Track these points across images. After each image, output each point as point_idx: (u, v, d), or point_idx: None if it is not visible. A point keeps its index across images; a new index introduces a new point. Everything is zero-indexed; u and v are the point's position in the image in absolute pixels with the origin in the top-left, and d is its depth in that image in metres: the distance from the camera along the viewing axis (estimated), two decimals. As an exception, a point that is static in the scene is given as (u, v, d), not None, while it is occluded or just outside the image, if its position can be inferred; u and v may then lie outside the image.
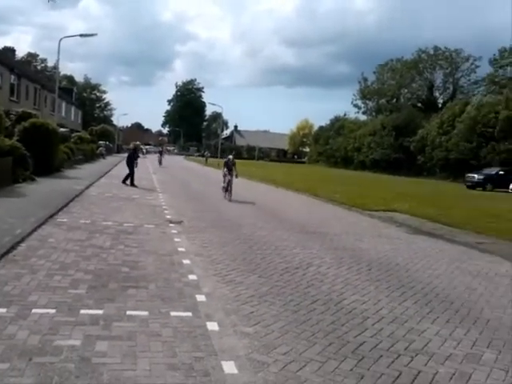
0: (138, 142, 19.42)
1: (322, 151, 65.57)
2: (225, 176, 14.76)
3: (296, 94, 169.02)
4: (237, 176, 14.96)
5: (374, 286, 5.69)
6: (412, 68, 60.87)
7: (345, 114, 67.58)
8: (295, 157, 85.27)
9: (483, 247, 8.75)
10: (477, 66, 57.37)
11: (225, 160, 15.38)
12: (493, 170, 30.76)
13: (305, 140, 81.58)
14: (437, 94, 62.00)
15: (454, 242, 9.33)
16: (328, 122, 68.59)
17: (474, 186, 29.11)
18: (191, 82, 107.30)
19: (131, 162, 17.14)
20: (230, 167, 14.71)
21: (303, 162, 74.49)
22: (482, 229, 10.59)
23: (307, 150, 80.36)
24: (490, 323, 4.71)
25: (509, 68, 51.82)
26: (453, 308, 5.12)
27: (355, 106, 68.59)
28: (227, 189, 14.47)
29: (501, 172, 29.95)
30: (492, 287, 6.14)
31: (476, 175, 30.13)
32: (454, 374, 3.54)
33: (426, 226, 11.03)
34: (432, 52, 59.90)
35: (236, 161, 15.33)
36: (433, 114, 47.17)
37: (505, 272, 7.11)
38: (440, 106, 56.33)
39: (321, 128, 71.36)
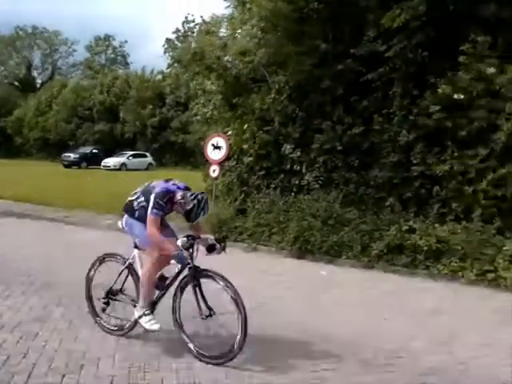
0: None
1: None
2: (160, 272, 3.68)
3: None
4: (224, 247, 3.66)
5: None
6: (9, 45, 56.90)
7: None
8: None
9: (68, 220, 9.79)
10: (74, 50, 59.57)
11: (160, 195, 3.49)
12: (87, 149, 32.88)
13: None
14: (35, 73, 60.24)
15: (43, 219, 9.87)
16: None
17: (70, 164, 30.06)
18: None
19: None
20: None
21: None
22: (71, 203, 11.48)
23: None
24: (62, 285, 5.22)
25: (103, 55, 56.76)
26: (29, 280, 5.42)
27: None
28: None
29: (94, 150, 32.52)
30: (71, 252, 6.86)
31: (72, 154, 31.31)
32: (21, 338, 3.82)
33: (19, 208, 10.90)
34: (30, 31, 57.72)
35: None
36: (31, 94, 45.84)
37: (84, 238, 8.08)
38: (38, 86, 55.26)
39: None
